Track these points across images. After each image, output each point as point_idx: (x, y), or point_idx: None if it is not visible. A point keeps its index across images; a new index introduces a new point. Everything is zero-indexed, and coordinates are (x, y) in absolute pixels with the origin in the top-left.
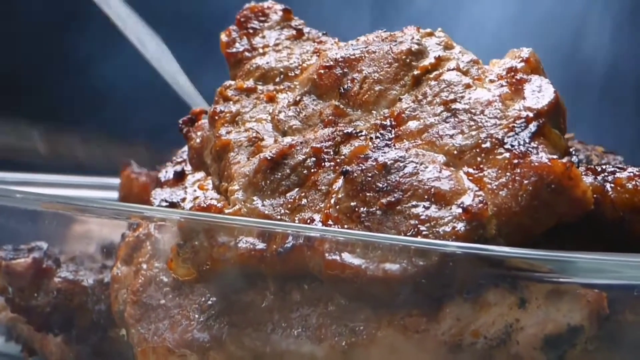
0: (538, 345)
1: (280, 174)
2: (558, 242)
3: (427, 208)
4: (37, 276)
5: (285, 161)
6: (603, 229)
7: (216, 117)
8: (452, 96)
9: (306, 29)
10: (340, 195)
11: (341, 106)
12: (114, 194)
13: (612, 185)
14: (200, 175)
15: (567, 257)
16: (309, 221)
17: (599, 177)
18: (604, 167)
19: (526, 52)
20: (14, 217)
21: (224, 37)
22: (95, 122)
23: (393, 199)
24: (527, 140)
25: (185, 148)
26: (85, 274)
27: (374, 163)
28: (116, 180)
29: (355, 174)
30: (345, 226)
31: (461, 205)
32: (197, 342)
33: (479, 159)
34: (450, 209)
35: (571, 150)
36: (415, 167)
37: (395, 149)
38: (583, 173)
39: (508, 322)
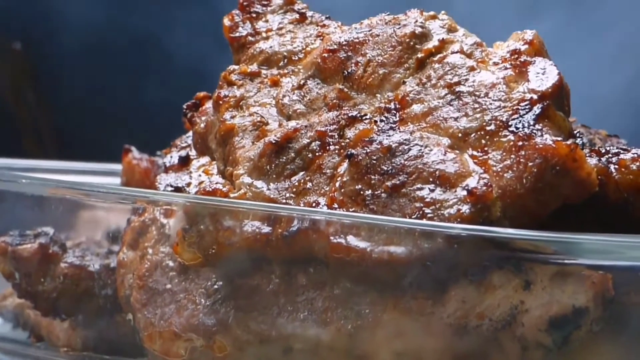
0: (543, 327)
1: (285, 157)
2: (562, 224)
3: (432, 191)
4: (43, 261)
5: (290, 145)
6: (606, 210)
7: (220, 102)
8: (456, 79)
9: (309, 13)
10: (345, 179)
11: (345, 90)
12: (118, 180)
13: (616, 166)
14: (205, 160)
15: (572, 238)
16: (314, 204)
17: (603, 159)
18: (607, 148)
19: (530, 35)
20: (20, 203)
21: (226, 21)
22: None
23: (398, 182)
24: (532, 123)
25: (190, 133)
26: (92, 259)
27: (379, 146)
28: (119, 167)
29: (360, 157)
30: (351, 209)
31: (466, 187)
32: (204, 326)
33: (483, 141)
34: (455, 191)
35: (575, 132)
36: (420, 150)
37: (399, 132)
38: (587, 155)
39: (513, 304)
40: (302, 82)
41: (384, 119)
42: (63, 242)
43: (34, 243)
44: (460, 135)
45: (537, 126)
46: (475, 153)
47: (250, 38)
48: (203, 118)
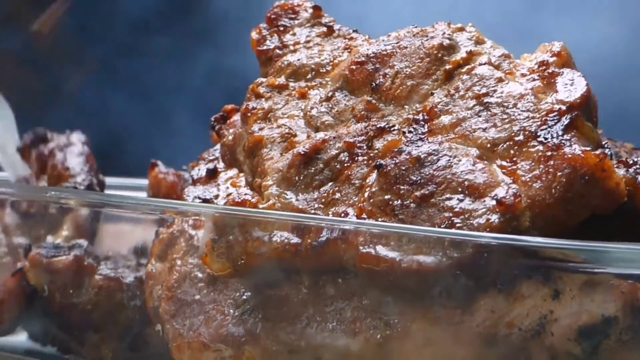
0: (572, 336)
1: (313, 168)
2: (590, 235)
3: (461, 201)
4: (78, 273)
5: (319, 156)
6: (635, 221)
7: (248, 114)
8: (484, 90)
9: (336, 26)
10: (374, 189)
11: (373, 101)
12: (143, 194)
13: None
14: (232, 172)
15: (601, 247)
16: (342, 215)
17: (631, 170)
18: (635, 159)
19: (557, 46)
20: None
21: (254, 34)
22: None
23: (427, 192)
24: (560, 133)
25: (218, 146)
26: (124, 271)
27: (408, 157)
28: (145, 181)
29: (389, 168)
30: (380, 219)
31: (495, 197)
32: (232, 337)
33: (512, 151)
34: (484, 201)
35: (604, 143)
36: (449, 160)
37: (428, 142)
38: (615, 165)
39: (542, 313)
40: (330, 94)
41: (413, 130)
42: (97, 254)
43: (69, 255)
44: (488, 145)
45: (565, 136)
46: (504, 163)
47: (277, 51)
48: (231, 130)
